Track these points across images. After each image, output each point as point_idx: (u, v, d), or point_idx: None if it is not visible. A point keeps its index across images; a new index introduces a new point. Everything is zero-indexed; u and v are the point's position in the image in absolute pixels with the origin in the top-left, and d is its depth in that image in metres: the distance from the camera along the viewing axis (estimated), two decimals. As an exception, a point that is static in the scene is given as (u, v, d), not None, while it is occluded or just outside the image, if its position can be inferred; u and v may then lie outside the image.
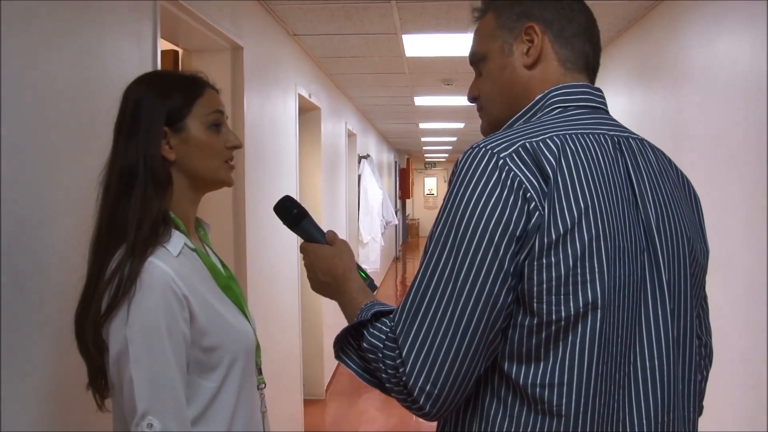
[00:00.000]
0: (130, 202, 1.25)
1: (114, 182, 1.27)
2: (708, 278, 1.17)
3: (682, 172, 1.17)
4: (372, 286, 1.24)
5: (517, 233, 0.95)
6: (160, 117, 1.29)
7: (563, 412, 0.96)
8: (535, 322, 0.96)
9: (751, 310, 2.45)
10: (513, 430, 0.98)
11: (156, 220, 1.26)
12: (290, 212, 1.31)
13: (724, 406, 2.54)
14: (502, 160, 0.98)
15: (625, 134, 1.10)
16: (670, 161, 1.16)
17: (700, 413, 1.18)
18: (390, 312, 1.06)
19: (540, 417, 0.97)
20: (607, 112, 1.13)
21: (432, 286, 0.98)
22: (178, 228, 1.30)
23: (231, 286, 1.39)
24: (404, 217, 17.84)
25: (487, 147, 1.00)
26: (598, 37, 1.16)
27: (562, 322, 0.95)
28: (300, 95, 4.34)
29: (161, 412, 1.16)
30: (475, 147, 1.01)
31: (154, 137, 1.29)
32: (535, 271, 0.95)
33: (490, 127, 1.19)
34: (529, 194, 0.96)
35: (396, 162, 15.03)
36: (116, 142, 1.31)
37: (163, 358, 1.18)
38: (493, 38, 1.16)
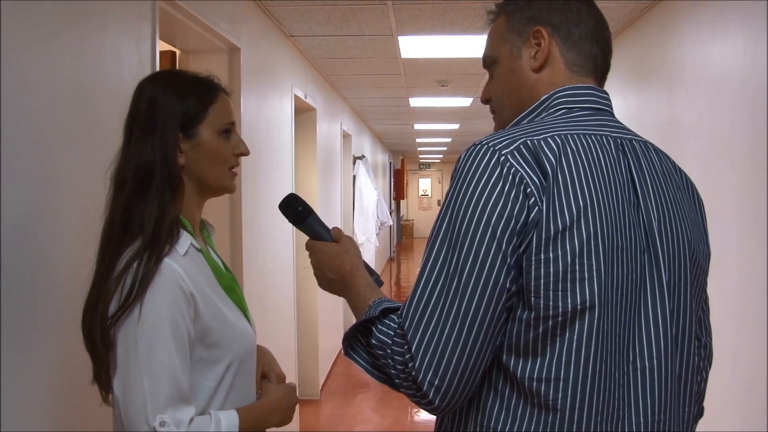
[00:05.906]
0: (147, 201, 1.25)
1: (130, 179, 1.26)
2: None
3: (686, 176, 1.18)
4: (379, 282, 1.25)
5: (518, 227, 0.97)
6: (176, 120, 1.29)
7: (559, 407, 0.98)
8: (532, 316, 0.98)
9: (744, 309, 2.48)
10: (510, 422, 1.00)
11: (173, 223, 1.26)
12: (295, 210, 1.33)
13: (720, 406, 2.55)
14: (503, 157, 0.99)
15: (629, 136, 1.11)
16: (674, 164, 1.16)
17: (701, 415, 1.19)
18: (398, 308, 1.07)
19: (536, 410, 0.99)
20: (612, 114, 1.14)
21: (440, 281, 0.99)
22: (185, 228, 1.31)
23: (234, 287, 1.41)
24: (399, 217, 17.85)
25: (489, 144, 1.02)
26: (608, 39, 1.17)
27: (559, 318, 0.97)
28: (296, 96, 4.35)
29: (171, 408, 1.18)
30: (477, 144, 1.03)
31: (171, 140, 1.28)
32: (533, 266, 0.97)
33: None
34: (529, 189, 0.97)
35: (391, 163, 15.03)
36: (129, 137, 1.30)
37: (169, 354, 1.19)
38: (504, 41, 1.17)
